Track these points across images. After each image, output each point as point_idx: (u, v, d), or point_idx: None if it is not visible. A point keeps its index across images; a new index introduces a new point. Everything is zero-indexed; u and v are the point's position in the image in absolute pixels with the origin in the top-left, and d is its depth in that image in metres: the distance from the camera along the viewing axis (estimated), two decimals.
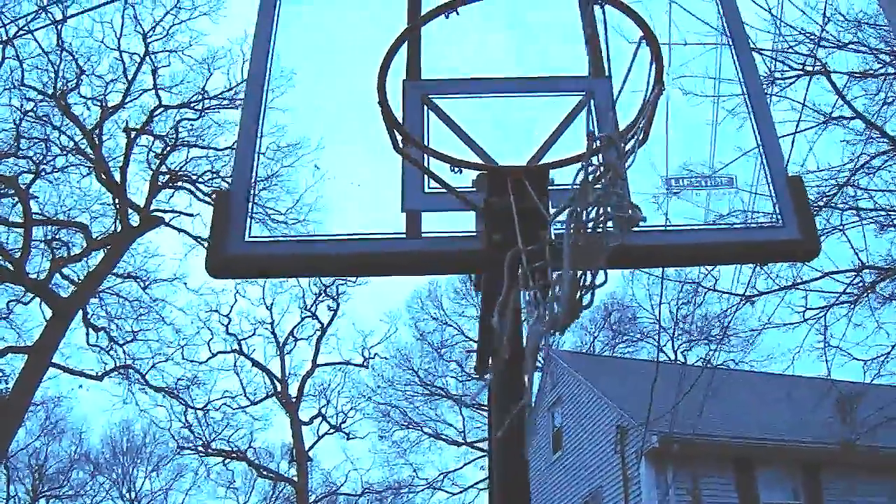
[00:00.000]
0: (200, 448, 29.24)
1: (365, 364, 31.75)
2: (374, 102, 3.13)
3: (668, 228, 3.66)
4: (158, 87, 22.16)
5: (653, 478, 16.29)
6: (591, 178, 2.56)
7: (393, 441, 32.49)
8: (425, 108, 3.69)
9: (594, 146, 2.58)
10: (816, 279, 9.93)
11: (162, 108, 22.44)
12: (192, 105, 22.75)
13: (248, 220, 3.42)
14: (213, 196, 3.34)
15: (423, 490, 32.22)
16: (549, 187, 3.31)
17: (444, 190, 3.51)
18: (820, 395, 12.78)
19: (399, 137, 3.25)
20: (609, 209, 2.41)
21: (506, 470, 4.21)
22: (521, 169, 3.21)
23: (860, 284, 10.21)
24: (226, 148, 22.75)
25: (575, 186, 2.72)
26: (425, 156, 3.50)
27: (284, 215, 22.91)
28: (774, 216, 3.46)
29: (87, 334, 22.97)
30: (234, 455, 30.07)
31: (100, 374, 23.68)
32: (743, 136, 3.79)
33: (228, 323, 29.23)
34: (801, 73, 10.05)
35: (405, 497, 32.38)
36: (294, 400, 30.79)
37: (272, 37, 3.91)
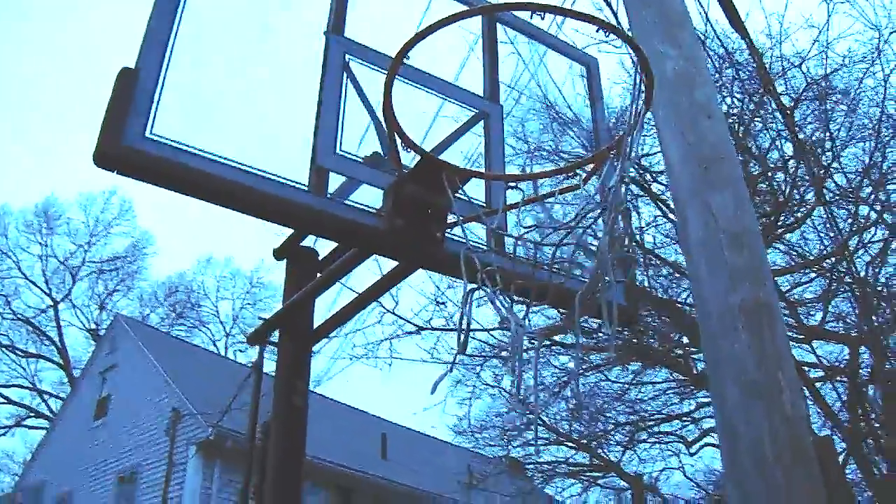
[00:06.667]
0: None
1: None
2: None
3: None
4: None
5: (200, 468, 16.00)
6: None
7: None
8: (344, 74, 3.51)
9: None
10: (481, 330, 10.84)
11: None
12: None
13: (154, 110, 2.86)
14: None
15: None
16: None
17: (355, 156, 3.35)
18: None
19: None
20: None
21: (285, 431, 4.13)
22: (459, 170, 3.20)
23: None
24: None
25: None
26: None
27: None
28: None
29: None
30: None
31: None
32: None
33: None
34: None
35: None
36: None
37: None
